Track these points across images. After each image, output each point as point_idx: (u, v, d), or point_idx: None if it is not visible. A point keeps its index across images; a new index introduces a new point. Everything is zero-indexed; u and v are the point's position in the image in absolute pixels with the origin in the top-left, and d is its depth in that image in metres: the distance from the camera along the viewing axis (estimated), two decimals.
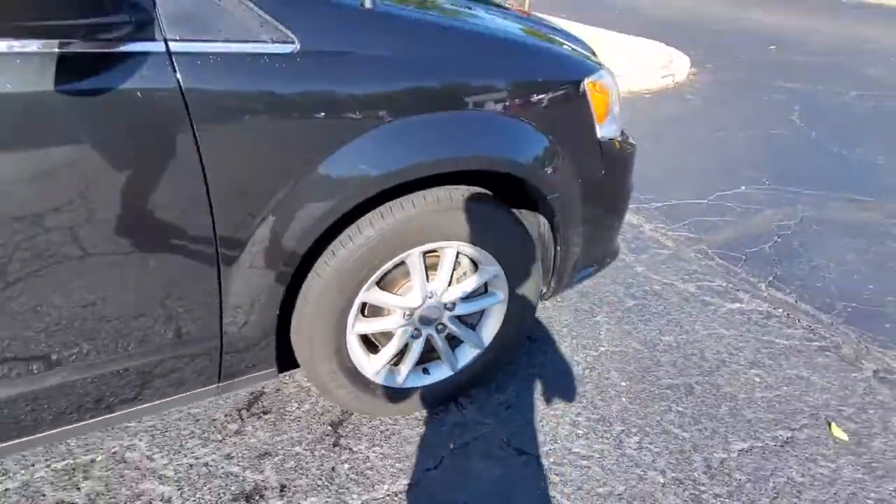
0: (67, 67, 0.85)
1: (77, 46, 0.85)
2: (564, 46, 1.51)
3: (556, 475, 1.44)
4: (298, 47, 1.02)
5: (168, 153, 0.95)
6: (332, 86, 1.06)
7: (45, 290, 0.96)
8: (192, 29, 0.93)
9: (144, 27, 0.89)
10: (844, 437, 1.60)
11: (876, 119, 4.44)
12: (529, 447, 1.52)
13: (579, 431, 1.57)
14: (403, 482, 1.41)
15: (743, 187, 3.14)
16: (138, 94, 0.90)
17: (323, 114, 1.06)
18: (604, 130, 1.49)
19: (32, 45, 0.82)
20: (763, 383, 1.77)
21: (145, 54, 0.90)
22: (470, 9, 1.50)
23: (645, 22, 8.16)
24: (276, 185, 1.07)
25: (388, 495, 1.37)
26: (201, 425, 1.53)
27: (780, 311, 2.13)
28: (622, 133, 1.60)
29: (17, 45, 0.82)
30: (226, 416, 1.57)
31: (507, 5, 2.22)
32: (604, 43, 5.88)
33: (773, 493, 1.42)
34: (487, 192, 1.37)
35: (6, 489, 1.33)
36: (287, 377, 1.70)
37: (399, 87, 1.14)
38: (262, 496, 1.36)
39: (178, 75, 0.92)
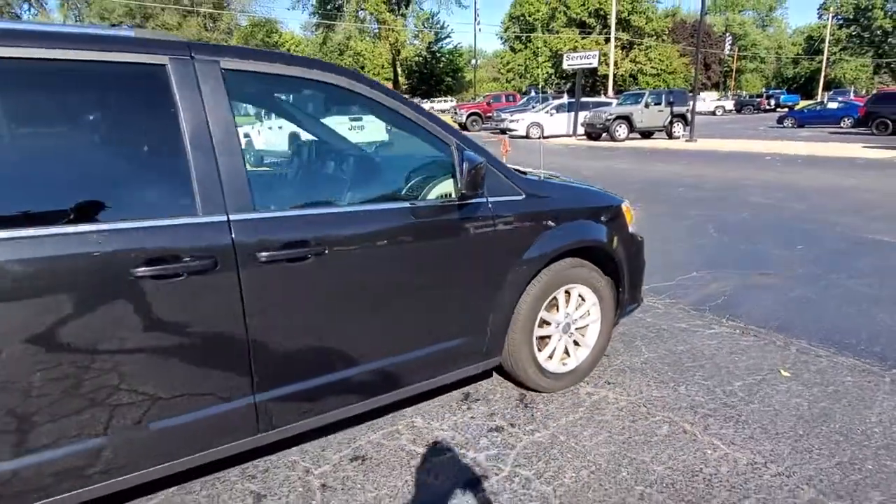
0: (459, 211, 2.24)
1: (462, 200, 2.25)
2: (608, 191, 3.06)
3: (647, 406, 2.67)
4: (524, 196, 2.47)
5: (487, 241, 2.33)
6: (534, 211, 2.50)
7: (411, 307, 2.24)
8: (494, 192, 2.36)
9: (479, 193, 2.31)
10: (788, 374, 2.93)
11: (764, 227, 6.38)
12: (629, 393, 2.75)
13: (654, 387, 2.83)
14: (570, 418, 2.58)
15: (693, 273, 4.72)
16: (479, 217, 2.30)
17: (531, 224, 2.49)
18: (631, 229, 2.99)
19: (448, 203, 2.22)
20: (740, 360, 3.11)
21: (482, 203, 2.31)
22: (568, 180, 3.05)
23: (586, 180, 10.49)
24: (517, 257, 2.44)
25: (565, 424, 2.54)
26: (445, 409, 2.67)
27: (737, 331, 3.54)
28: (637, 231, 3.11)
29: (440, 201, 2.22)
30: (456, 403, 2.72)
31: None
32: None
33: (759, 398, 2.70)
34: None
35: (369, 440, 2.41)
36: (482, 384, 2.88)
37: (555, 210, 2.59)
38: (503, 429, 2.49)
39: (491, 209, 2.33)
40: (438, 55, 61.66)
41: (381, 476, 2.20)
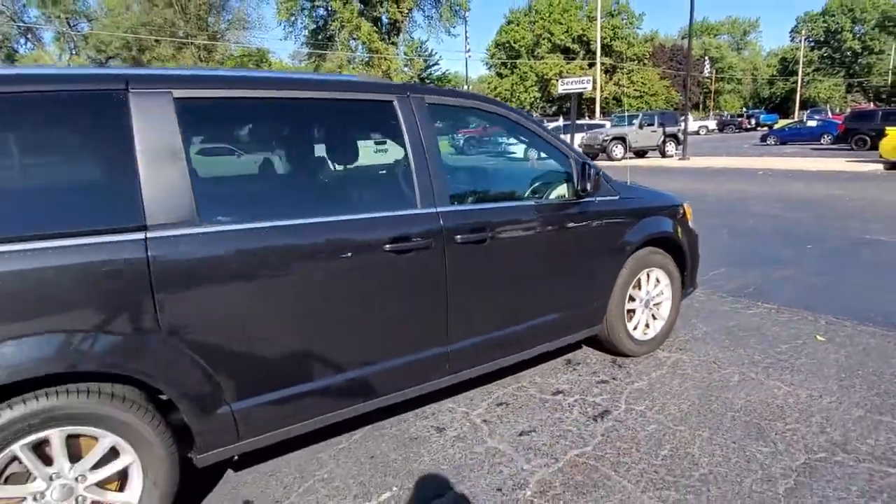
0: (578, 207, 2.91)
1: (578, 199, 2.92)
2: (672, 194, 3.76)
3: (717, 363, 3.32)
4: (619, 196, 3.16)
5: (596, 231, 3.00)
6: (627, 208, 3.18)
7: (544, 283, 2.90)
8: (600, 194, 3.04)
9: (594, 193, 2.98)
10: (823, 339, 3.61)
11: (772, 232, 7.14)
12: (699, 355, 3.40)
13: (717, 350, 3.49)
14: (658, 373, 3.23)
15: (722, 269, 5.43)
16: (591, 213, 2.97)
17: (625, 218, 3.17)
18: (690, 224, 3.68)
19: (571, 201, 2.90)
20: (781, 330, 3.79)
21: (593, 201, 2.99)
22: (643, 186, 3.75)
23: None
24: (616, 244, 3.11)
25: (656, 377, 3.18)
26: (555, 371, 3.30)
27: (772, 311, 4.22)
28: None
29: (565, 200, 2.89)
30: (562, 367, 3.35)
31: None
32: None
33: (805, 355, 3.37)
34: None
35: (503, 392, 3.03)
36: (577, 353, 3.52)
37: (640, 208, 3.27)
38: (608, 382, 3.13)
39: (598, 206, 3.01)
40: (428, 82, 63.16)
41: (526, 413, 2.82)
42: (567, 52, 61.15)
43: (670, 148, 20.97)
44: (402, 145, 2.37)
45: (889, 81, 67.79)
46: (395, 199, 2.37)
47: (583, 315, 3.10)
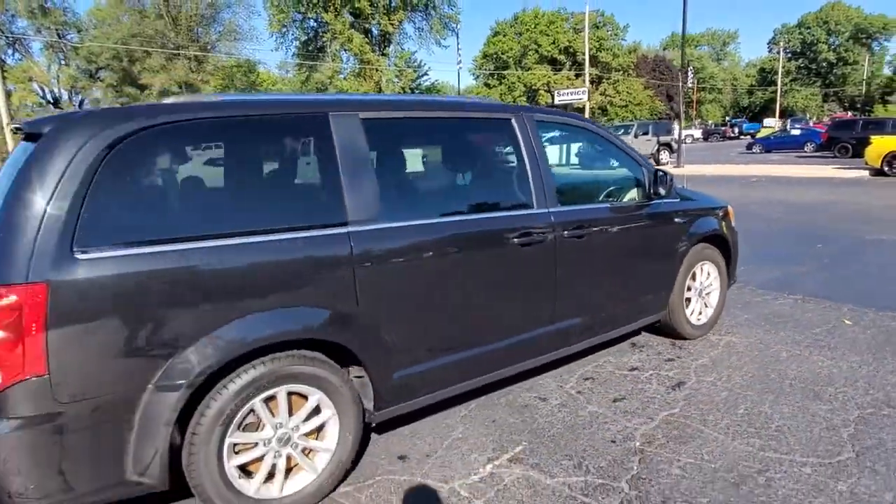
0: (649, 208, 3.39)
1: (648, 201, 3.40)
2: (718, 197, 4.27)
3: (764, 343, 3.81)
4: (679, 200, 3.64)
5: (663, 229, 3.48)
6: (686, 209, 3.67)
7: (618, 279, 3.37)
8: (665, 196, 3.52)
9: (665, 197, 3.45)
10: (850, 323, 4.12)
11: (780, 234, 7.72)
12: (746, 337, 3.88)
13: (761, 333, 3.98)
14: (715, 352, 3.70)
15: (743, 267, 5.94)
16: (660, 213, 3.45)
17: (686, 219, 3.65)
18: (733, 223, 4.18)
19: (643, 203, 3.38)
20: (812, 316, 4.30)
21: (660, 203, 3.47)
22: (696, 192, 4.24)
23: None
24: (678, 240, 3.59)
25: (715, 354, 3.65)
26: (625, 353, 3.76)
27: (799, 301, 4.74)
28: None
29: (639, 202, 3.37)
30: (629, 349, 3.81)
31: None
32: None
33: (837, 335, 3.87)
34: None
35: (585, 370, 3.48)
36: (639, 338, 3.98)
37: (696, 209, 3.76)
38: (674, 360, 3.60)
39: (665, 206, 3.49)
40: (418, 92, 63.83)
41: (612, 385, 3.27)
42: (554, 63, 62.27)
43: (664, 156, 21.71)
44: (520, 155, 2.83)
45: (863, 91, 70.18)
46: (518, 201, 2.82)
47: (653, 301, 3.57)
